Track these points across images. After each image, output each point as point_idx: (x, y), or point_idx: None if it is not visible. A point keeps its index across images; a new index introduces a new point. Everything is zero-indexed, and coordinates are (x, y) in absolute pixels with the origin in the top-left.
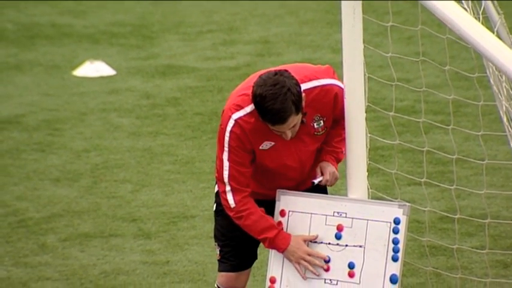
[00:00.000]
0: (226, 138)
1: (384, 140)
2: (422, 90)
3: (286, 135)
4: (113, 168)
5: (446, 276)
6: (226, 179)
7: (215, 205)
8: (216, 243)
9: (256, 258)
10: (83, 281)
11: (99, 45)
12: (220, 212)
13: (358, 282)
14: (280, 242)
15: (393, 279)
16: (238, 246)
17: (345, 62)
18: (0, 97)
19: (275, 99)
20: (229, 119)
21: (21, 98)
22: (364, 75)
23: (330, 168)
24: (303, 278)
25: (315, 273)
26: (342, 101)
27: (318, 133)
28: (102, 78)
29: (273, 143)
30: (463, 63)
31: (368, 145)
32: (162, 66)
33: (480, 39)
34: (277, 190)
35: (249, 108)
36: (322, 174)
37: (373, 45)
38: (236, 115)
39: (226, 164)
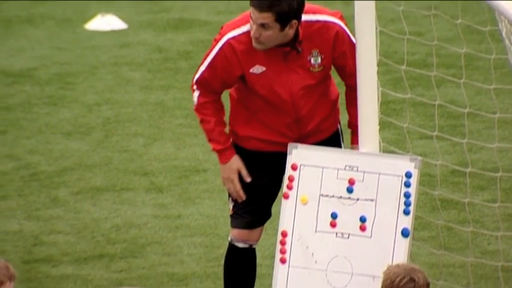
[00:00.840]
0: (213, 53)
1: (396, 94)
2: (434, 44)
3: (253, 31)
4: (124, 122)
5: (457, 230)
6: (194, 80)
7: None
8: (230, 198)
9: (270, 216)
10: (94, 235)
11: None
12: None
13: (369, 235)
14: (220, 157)
15: (405, 233)
16: (251, 203)
17: (357, 15)
18: (12, 51)
19: None
20: (222, 37)
21: (33, 51)
22: (376, 28)
23: None
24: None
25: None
26: (344, 45)
27: (314, 69)
28: (113, 31)
29: (264, 68)
30: (475, 17)
31: (379, 99)
32: (174, 20)
33: None
34: (289, 144)
35: (246, 28)
36: None
37: None
38: (230, 34)
39: (201, 70)
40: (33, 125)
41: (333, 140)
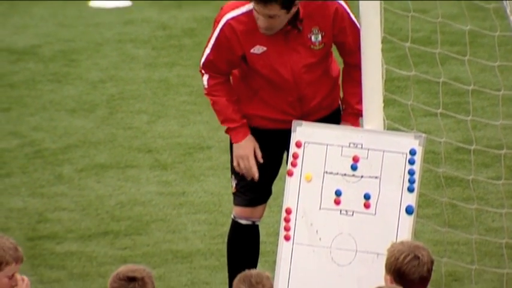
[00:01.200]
0: (215, 35)
1: (400, 71)
2: (438, 21)
3: (260, 22)
4: (128, 99)
5: (462, 207)
6: (201, 64)
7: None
8: (233, 176)
9: (271, 194)
10: (99, 212)
11: None
12: None
13: (373, 213)
14: (233, 136)
15: (409, 210)
16: (254, 181)
17: None
18: (16, 28)
19: None
20: (222, 17)
21: (37, 28)
22: (380, 5)
23: None
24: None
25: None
26: (343, 21)
27: (315, 47)
28: (117, 9)
29: (265, 48)
30: None
31: (384, 76)
32: None
33: None
34: (293, 121)
35: (245, 8)
36: None
37: None
38: (230, 15)
39: (206, 53)
40: (37, 102)
41: (334, 117)
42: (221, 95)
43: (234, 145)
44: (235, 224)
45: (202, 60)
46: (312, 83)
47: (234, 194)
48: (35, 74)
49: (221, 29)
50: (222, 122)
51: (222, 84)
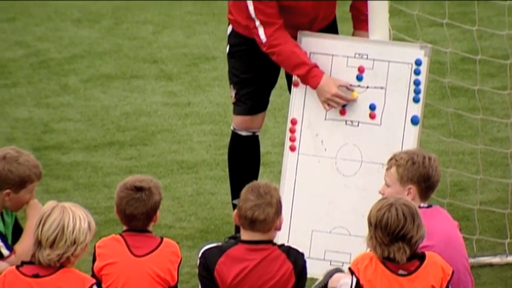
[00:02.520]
0: None
1: None
2: None
3: None
4: (134, 9)
5: (467, 117)
6: (253, 14)
7: (228, 47)
8: (231, 86)
9: (268, 103)
10: (104, 122)
11: None
12: (234, 53)
13: (379, 123)
14: (311, 80)
15: (414, 120)
16: (253, 89)
17: None
18: None
19: None
20: None
21: None
22: None
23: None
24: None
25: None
26: None
27: None
28: None
29: None
30: None
31: None
32: None
33: None
34: (299, 32)
35: None
36: None
37: None
38: None
39: (249, 3)
40: (42, 12)
41: (332, 27)
42: (282, 42)
43: (316, 90)
44: (235, 136)
45: (251, 9)
46: (329, 6)
47: (233, 103)
48: None
49: None
50: (293, 69)
51: (279, 29)
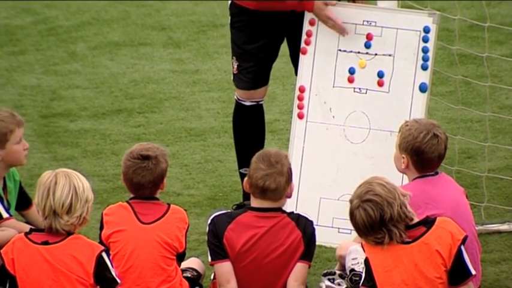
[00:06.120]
0: None
1: None
2: None
3: None
4: None
5: (475, 85)
6: None
7: (230, 17)
8: (234, 57)
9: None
10: (112, 89)
11: None
12: (235, 24)
13: (387, 90)
14: (305, 4)
15: (422, 88)
16: (254, 63)
17: None
18: None
19: None
20: None
21: None
22: None
23: None
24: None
25: (343, 31)
26: None
27: None
28: None
29: None
30: None
31: None
32: None
33: None
34: None
35: None
36: None
37: None
38: None
39: None
40: None
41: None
42: None
43: (314, 12)
44: (239, 105)
45: None
46: None
47: (234, 75)
48: None
49: None
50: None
51: None
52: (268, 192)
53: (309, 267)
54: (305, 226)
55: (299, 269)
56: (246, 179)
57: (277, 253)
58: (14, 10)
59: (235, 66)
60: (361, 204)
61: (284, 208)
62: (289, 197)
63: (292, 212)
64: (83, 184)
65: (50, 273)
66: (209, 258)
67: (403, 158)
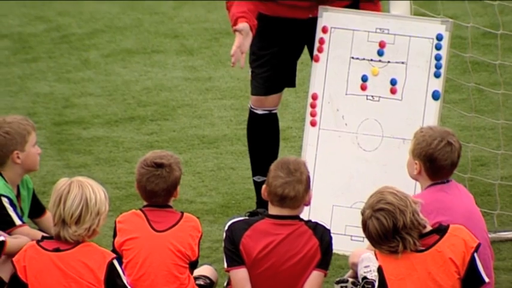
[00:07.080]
0: None
1: None
2: None
3: None
4: None
5: (488, 92)
6: None
7: None
8: (249, 63)
9: (294, 86)
10: (125, 97)
11: None
12: None
13: (400, 98)
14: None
15: (435, 95)
16: (267, 69)
17: None
18: None
19: None
20: None
21: None
22: None
23: None
24: None
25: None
26: None
27: None
28: None
29: None
30: None
31: None
32: None
33: None
34: (320, 7)
35: None
36: None
37: None
38: None
39: None
40: None
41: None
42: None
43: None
44: (252, 114)
45: None
46: None
47: (250, 82)
48: None
49: None
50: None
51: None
52: (287, 200)
53: (325, 276)
54: (322, 234)
55: (315, 277)
56: (264, 186)
57: (294, 261)
58: (27, 18)
59: (250, 72)
60: (374, 214)
61: None
62: (307, 204)
63: (310, 220)
64: (96, 196)
65: (62, 280)
66: (225, 265)
67: (416, 164)
